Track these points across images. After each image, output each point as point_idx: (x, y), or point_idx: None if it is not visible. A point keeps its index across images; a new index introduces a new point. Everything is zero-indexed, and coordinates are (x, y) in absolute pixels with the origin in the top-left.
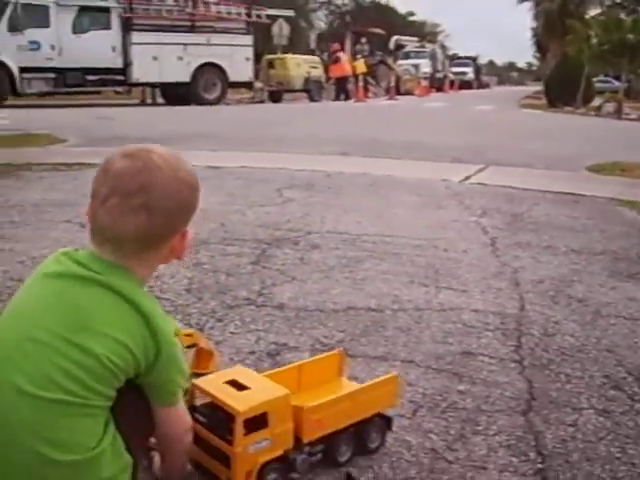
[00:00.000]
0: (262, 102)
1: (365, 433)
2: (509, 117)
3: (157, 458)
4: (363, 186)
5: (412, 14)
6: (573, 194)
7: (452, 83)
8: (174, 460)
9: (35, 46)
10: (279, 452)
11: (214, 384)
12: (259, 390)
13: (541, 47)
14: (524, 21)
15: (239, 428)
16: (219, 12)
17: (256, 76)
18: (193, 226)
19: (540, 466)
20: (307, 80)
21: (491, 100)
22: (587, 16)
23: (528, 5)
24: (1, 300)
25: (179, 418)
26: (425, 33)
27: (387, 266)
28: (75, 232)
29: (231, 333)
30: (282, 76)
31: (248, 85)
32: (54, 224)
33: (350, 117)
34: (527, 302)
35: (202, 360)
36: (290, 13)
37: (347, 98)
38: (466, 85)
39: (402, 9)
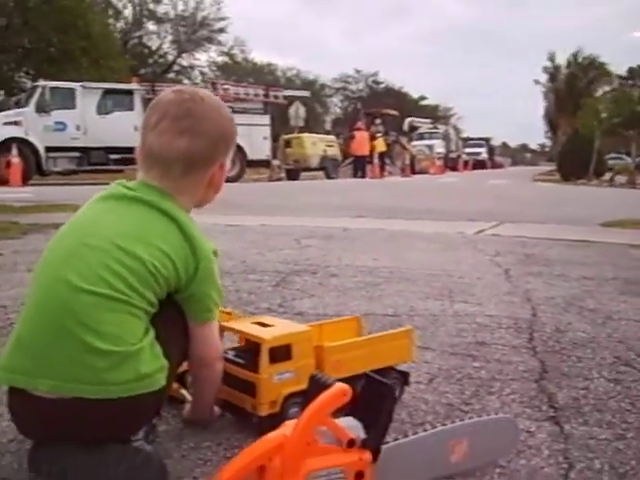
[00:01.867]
0: (279, 180)
1: None
2: (522, 189)
3: (187, 404)
4: (380, 237)
5: (424, 98)
6: (586, 241)
7: (466, 163)
8: (206, 387)
9: (61, 126)
10: (302, 386)
11: (241, 324)
12: (283, 326)
13: (552, 125)
14: (536, 103)
15: (264, 356)
16: (237, 93)
17: (274, 155)
18: (220, 262)
19: (552, 414)
20: (324, 158)
21: (505, 176)
22: (597, 94)
23: (541, 88)
24: None
25: (212, 340)
26: (438, 116)
27: (403, 286)
28: None
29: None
30: (299, 154)
31: (266, 163)
32: None
33: (366, 190)
34: (539, 311)
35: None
36: (306, 94)
37: (363, 176)
38: (480, 165)
39: (415, 94)
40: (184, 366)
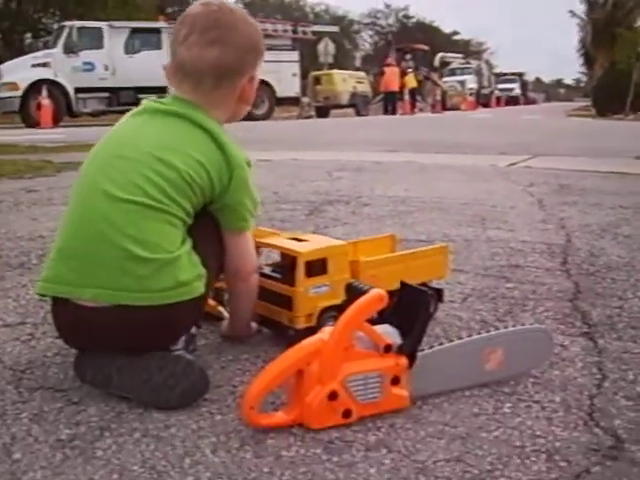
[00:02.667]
0: (309, 118)
1: None
2: (556, 123)
3: (224, 321)
4: (411, 169)
5: (456, 33)
6: (621, 173)
7: (498, 99)
8: (242, 301)
9: (89, 67)
10: (337, 301)
11: (276, 239)
12: (319, 241)
13: (588, 59)
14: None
15: (300, 269)
16: (265, 29)
17: (303, 93)
18: None
19: (586, 330)
20: (353, 95)
21: (538, 112)
22: (636, 25)
23: (576, 20)
24: None
25: (248, 252)
26: (470, 51)
27: (436, 215)
28: None
29: None
30: (329, 91)
31: (295, 101)
32: None
33: (398, 126)
34: (573, 237)
35: None
36: (335, 29)
37: (394, 113)
38: (513, 101)
39: (446, 29)
40: (221, 282)
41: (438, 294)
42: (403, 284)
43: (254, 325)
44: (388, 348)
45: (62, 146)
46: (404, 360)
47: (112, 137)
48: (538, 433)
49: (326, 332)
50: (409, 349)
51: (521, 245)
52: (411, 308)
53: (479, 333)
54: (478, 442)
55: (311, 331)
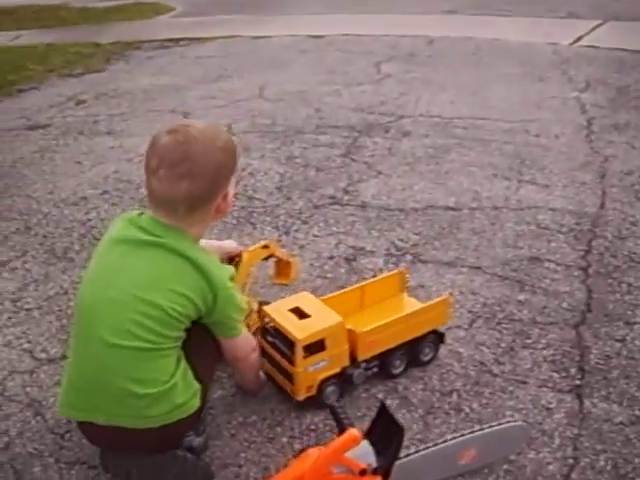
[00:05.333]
0: None
1: (418, 348)
2: None
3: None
4: (465, 55)
5: None
6: None
7: None
8: (245, 373)
9: None
10: (336, 370)
11: (280, 311)
12: (318, 318)
13: None
14: None
15: (299, 353)
16: None
17: None
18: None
19: (578, 382)
20: None
21: None
22: None
23: None
24: (114, 204)
25: (242, 345)
26: None
27: (474, 156)
28: None
29: (314, 236)
30: None
31: None
32: (160, 115)
33: None
34: (608, 199)
35: (281, 269)
36: None
37: None
38: None
39: None
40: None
41: (440, 337)
42: (382, 407)
43: (263, 376)
44: (363, 472)
45: (113, 7)
46: (379, 479)
47: (97, 273)
48: None
49: (311, 456)
50: (383, 470)
51: (549, 219)
52: (387, 433)
53: (473, 390)
54: None
55: (312, 398)
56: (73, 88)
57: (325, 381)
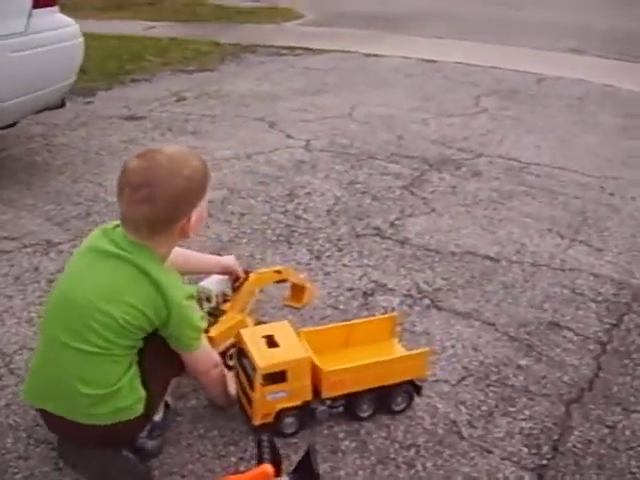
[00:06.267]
0: None
1: (391, 396)
2: None
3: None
4: (570, 99)
5: None
6: None
7: None
8: (208, 388)
9: None
10: (296, 402)
11: (253, 336)
12: (285, 350)
13: None
14: None
15: (258, 380)
16: None
17: None
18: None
19: (545, 462)
20: None
21: None
22: None
23: None
24: None
25: (201, 360)
26: None
27: (536, 206)
28: (260, 133)
29: (343, 265)
30: None
31: None
32: (246, 121)
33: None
34: None
35: (296, 293)
36: None
37: None
38: None
39: None
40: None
41: (417, 389)
42: (307, 450)
43: (234, 394)
44: None
45: (248, 9)
46: None
47: (68, 276)
48: None
49: None
50: None
51: (587, 285)
52: (306, 477)
53: (434, 448)
54: None
55: (269, 426)
56: (181, 84)
57: (284, 411)
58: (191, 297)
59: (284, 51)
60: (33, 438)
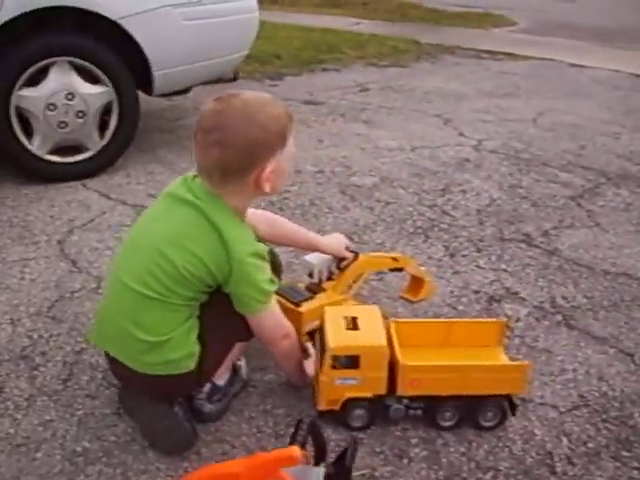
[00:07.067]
0: None
1: (479, 409)
2: None
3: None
4: None
5: None
6: None
7: None
8: (278, 361)
9: None
10: (367, 393)
11: (335, 316)
12: (364, 334)
13: None
14: None
15: (327, 361)
16: None
17: None
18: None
19: None
20: None
21: None
22: None
23: None
24: (318, 184)
25: (267, 327)
26: None
27: None
28: (433, 128)
29: (476, 266)
30: None
31: None
32: (422, 116)
33: None
34: None
35: (414, 286)
36: None
37: None
38: None
39: None
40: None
41: (512, 407)
42: (345, 449)
43: (310, 374)
44: None
45: (459, 13)
46: None
47: (144, 220)
48: None
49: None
50: None
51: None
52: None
53: None
54: None
55: (335, 413)
56: (368, 76)
57: (353, 401)
58: (258, 255)
59: (485, 55)
60: (107, 380)
